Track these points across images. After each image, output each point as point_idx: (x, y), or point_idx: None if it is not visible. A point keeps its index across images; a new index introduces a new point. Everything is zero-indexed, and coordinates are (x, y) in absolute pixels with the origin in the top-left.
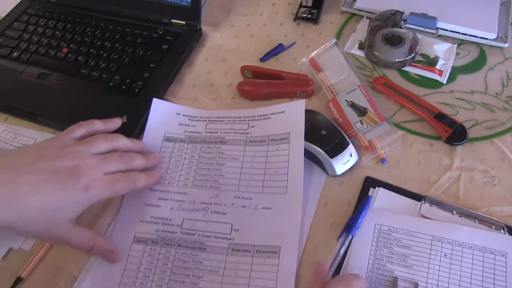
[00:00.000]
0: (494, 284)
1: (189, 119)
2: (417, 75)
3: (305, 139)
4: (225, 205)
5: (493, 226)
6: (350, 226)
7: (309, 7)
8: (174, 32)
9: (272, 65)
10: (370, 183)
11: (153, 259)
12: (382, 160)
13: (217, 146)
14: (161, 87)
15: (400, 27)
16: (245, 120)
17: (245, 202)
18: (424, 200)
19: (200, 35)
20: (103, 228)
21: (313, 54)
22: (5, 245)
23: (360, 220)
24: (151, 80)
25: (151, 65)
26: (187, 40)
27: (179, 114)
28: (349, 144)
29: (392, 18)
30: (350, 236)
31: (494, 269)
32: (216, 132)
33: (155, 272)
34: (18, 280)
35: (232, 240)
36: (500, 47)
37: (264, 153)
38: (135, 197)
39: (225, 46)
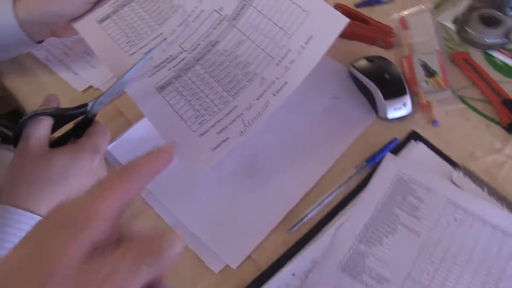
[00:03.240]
0: (494, 262)
1: None
2: (502, 62)
3: (367, 76)
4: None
5: None
6: (370, 158)
7: None
8: None
9: (365, 12)
10: (414, 136)
11: (188, 86)
12: (434, 122)
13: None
14: None
15: (504, 14)
16: None
17: None
18: (459, 167)
19: None
20: None
21: (405, 13)
22: (86, 83)
23: (380, 155)
24: None
25: None
26: None
27: None
28: (406, 93)
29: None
30: (367, 165)
31: (500, 248)
32: None
33: (201, 89)
34: None
35: None
36: None
37: None
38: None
39: None
